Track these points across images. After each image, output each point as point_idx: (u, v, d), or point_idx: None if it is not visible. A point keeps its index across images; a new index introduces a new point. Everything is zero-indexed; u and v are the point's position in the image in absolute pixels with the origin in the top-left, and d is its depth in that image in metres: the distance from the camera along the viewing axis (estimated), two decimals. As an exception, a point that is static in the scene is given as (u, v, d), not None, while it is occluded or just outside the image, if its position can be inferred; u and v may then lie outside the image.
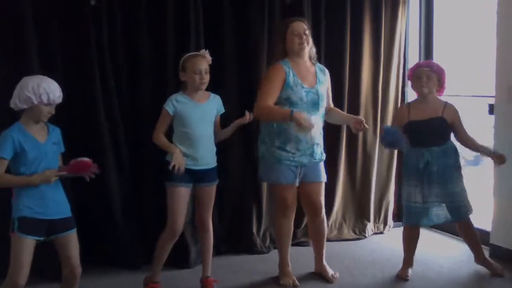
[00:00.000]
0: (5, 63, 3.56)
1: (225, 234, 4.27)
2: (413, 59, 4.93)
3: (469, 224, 3.76)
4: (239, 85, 4.20)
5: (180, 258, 3.91)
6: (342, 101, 4.49)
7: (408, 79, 3.82)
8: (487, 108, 4.22)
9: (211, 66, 3.35)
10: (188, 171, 3.26)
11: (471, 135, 3.71)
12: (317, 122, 3.36)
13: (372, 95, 4.70)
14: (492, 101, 4.16)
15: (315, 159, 3.53)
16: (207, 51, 3.36)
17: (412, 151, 3.62)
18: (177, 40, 3.91)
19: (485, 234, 4.25)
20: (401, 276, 3.72)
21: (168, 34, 3.91)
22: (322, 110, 3.54)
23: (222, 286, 3.53)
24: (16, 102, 2.68)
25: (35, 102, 2.65)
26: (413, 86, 3.71)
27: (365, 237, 4.66)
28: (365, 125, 3.44)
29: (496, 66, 4.08)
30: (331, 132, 4.52)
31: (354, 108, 4.60)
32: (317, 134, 3.41)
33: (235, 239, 4.29)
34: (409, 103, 3.82)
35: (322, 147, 3.63)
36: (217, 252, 4.16)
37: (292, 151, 3.43)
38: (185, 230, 3.88)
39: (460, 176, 3.68)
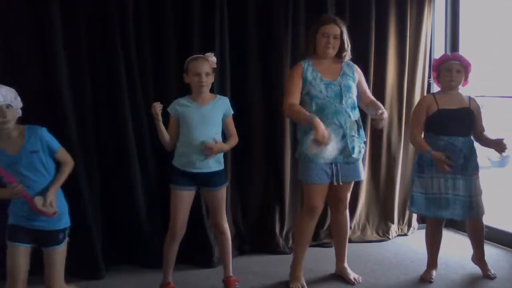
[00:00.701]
0: (32, 65, 3.60)
1: (248, 234, 4.29)
2: (439, 58, 4.87)
3: (482, 223, 3.75)
4: (262, 87, 4.20)
5: (204, 258, 3.96)
6: (367, 101, 4.47)
7: (433, 70, 3.75)
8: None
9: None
10: (191, 175, 3.28)
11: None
12: (333, 144, 3.22)
13: (397, 95, 4.66)
14: (519, 102, 4.10)
15: (351, 156, 3.43)
16: (213, 54, 3.34)
17: (435, 140, 3.55)
18: (201, 42, 3.92)
19: (511, 236, 4.19)
20: (425, 279, 3.69)
21: (194, 35, 3.93)
22: (349, 101, 3.43)
23: (244, 286, 3.53)
24: None
25: None
26: (437, 78, 3.68)
27: (389, 238, 4.63)
28: (382, 116, 3.31)
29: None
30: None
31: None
32: (333, 152, 3.25)
33: (258, 239, 4.29)
34: (433, 94, 3.77)
35: (361, 143, 3.52)
36: (241, 252, 4.19)
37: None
38: (208, 231, 3.92)
39: (479, 172, 3.64)
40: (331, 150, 3.19)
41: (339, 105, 3.38)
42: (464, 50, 4.88)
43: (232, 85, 4.05)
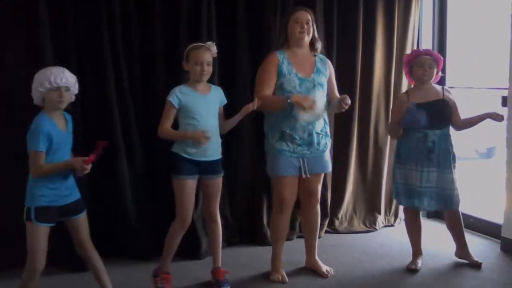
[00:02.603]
0: (18, 54, 3.59)
1: (236, 226, 4.30)
2: (426, 50, 4.89)
3: (458, 215, 3.80)
4: (250, 77, 4.18)
5: (191, 250, 3.95)
6: (354, 93, 4.48)
7: (405, 65, 3.80)
8: (500, 101, 4.19)
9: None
10: (194, 162, 3.28)
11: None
12: (319, 99, 3.32)
13: (384, 88, 4.68)
14: (505, 93, 4.13)
15: (318, 149, 3.48)
16: (214, 43, 3.34)
17: (412, 133, 3.59)
18: (189, 31, 3.91)
19: (496, 227, 4.25)
20: (411, 268, 3.73)
21: (181, 23, 3.91)
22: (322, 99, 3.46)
23: (232, 277, 3.55)
24: (34, 99, 2.78)
25: (41, 89, 2.71)
26: (409, 73, 3.74)
27: (376, 229, 4.66)
28: (347, 101, 3.35)
29: (510, 58, 4.03)
30: (342, 124, 4.53)
31: (366, 100, 4.59)
32: (322, 111, 3.33)
33: (246, 231, 4.31)
34: (407, 91, 3.85)
35: (328, 136, 3.57)
36: (229, 243, 4.20)
37: (291, 143, 3.40)
38: (196, 222, 3.93)
39: (454, 164, 3.68)
40: (320, 105, 3.29)
41: None
42: (451, 42, 4.91)
43: (221, 75, 4.03)
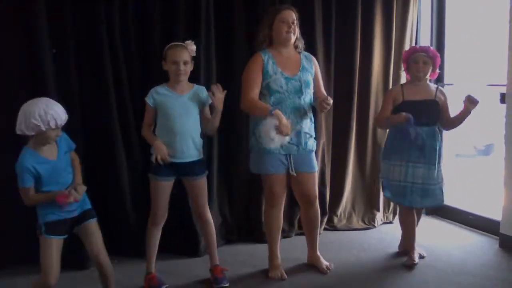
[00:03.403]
0: (17, 52, 3.58)
1: (235, 223, 4.30)
2: (425, 47, 4.89)
3: (420, 213, 3.92)
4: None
5: (190, 247, 3.97)
6: (352, 89, 4.49)
7: (403, 61, 3.86)
8: (498, 97, 4.19)
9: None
10: (170, 164, 3.27)
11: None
12: (300, 116, 3.36)
13: (383, 83, 4.67)
14: (503, 90, 4.13)
15: (304, 149, 3.48)
16: (193, 42, 3.31)
17: (401, 130, 3.61)
18: (186, 29, 3.89)
19: (495, 224, 4.25)
20: (407, 263, 3.74)
21: (179, 22, 3.90)
22: (308, 97, 3.47)
23: (231, 275, 3.55)
24: (22, 130, 2.64)
25: (43, 129, 2.63)
26: (407, 69, 3.79)
27: (374, 226, 4.66)
28: (329, 101, 3.35)
29: (508, 55, 4.04)
30: (340, 121, 4.53)
31: (364, 97, 4.59)
32: (287, 140, 3.30)
33: (245, 228, 4.31)
34: (402, 85, 3.88)
35: (313, 136, 3.56)
36: (227, 241, 4.21)
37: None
38: (194, 220, 3.92)
39: (441, 161, 3.74)
40: (287, 139, 3.28)
41: (297, 101, 3.39)
42: (450, 39, 4.91)
43: (218, 72, 4.03)
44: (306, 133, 3.47)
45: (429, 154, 3.64)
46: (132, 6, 3.82)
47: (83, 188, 2.76)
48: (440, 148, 3.73)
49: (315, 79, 3.56)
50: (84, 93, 3.76)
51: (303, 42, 3.55)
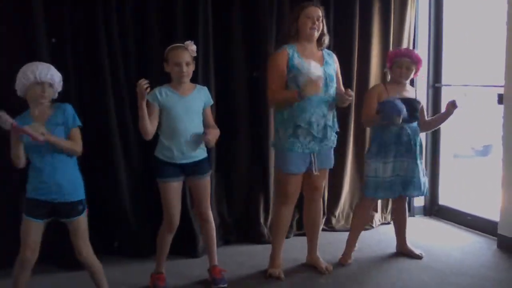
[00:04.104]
0: (15, 52, 3.57)
1: (233, 224, 4.30)
2: (423, 47, 4.90)
3: (405, 207, 3.98)
4: (246, 74, 4.19)
5: (188, 248, 3.96)
6: (351, 90, 4.46)
7: (387, 61, 3.88)
8: (496, 98, 4.20)
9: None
10: (175, 165, 3.26)
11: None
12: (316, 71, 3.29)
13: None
14: (501, 91, 4.14)
15: (327, 144, 3.49)
16: (192, 42, 3.29)
17: (388, 127, 3.67)
18: (185, 29, 3.90)
19: (493, 224, 4.26)
20: (343, 262, 3.82)
21: (177, 22, 3.90)
22: (332, 90, 3.47)
23: (229, 275, 3.54)
24: (18, 91, 2.80)
25: (25, 82, 2.73)
26: (390, 70, 3.83)
27: (372, 227, 4.66)
28: (350, 93, 3.43)
29: (506, 56, 4.05)
30: (339, 122, 4.51)
31: (362, 98, 4.56)
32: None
33: (243, 229, 4.31)
34: (384, 83, 3.94)
35: (336, 130, 3.57)
36: (226, 242, 4.20)
37: (304, 138, 3.39)
38: (192, 221, 3.92)
39: (421, 155, 3.83)
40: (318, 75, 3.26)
41: (323, 95, 3.40)
42: (447, 40, 4.92)
43: (216, 72, 4.03)
44: (330, 126, 3.47)
45: (414, 149, 3.71)
46: (129, 6, 3.82)
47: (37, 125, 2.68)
48: (421, 144, 3.81)
49: (337, 74, 3.61)
50: (82, 94, 3.75)
51: (328, 38, 3.57)
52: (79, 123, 2.90)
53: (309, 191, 3.66)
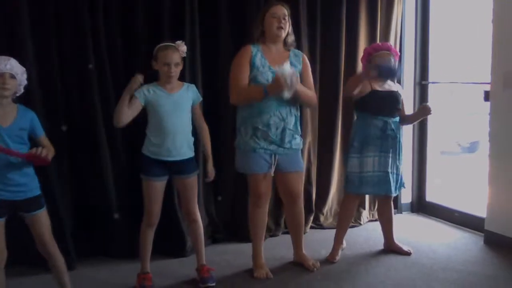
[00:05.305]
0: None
1: (221, 223, 4.29)
2: (409, 45, 4.92)
3: (391, 204, 4.00)
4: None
5: (176, 248, 3.94)
6: (338, 89, 4.49)
7: (364, 57, 3.85)
8: (482, 95, 4.22)
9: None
10: (162, 163, 3.26)
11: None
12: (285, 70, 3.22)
13: (368, 83, 4.68)
14: (487, 88, 4.16)
15: (290, 147, 3.46)
16: (183, 42, 3.28)
17: (371, 121, 3.70)
18: (171, 28, 3.87)
19: (479, 220, 4.29)
20: (331, 259, 3.82)
21: (164, 20, 3.87)
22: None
23: (217, 274, 3.53)
24: None
25: None
26: (367, 64, 3.79)
27: (360, 224, 4.68)
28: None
29: (492, 53, 4.07)
30: (326, 120, 4.54)
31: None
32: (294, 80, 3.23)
33: (231, 228, 4.30)
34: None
35: (299, 134, 3.55)
36: (213, 240, 4.19)
37: (264, 140, 3.38)
38: (180, 220, 3.90)
39: (402, 150, 3.85)
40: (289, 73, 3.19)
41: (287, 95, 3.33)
42: (434, 38, 4.94)
43: (204, 73, 4.02)
44: (290, 130, 3.44)
45: (398, 144, 3.75)
46: (116, 6, 3.79)
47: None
48: (401, 138, 3.84)
49: (303, 76, 3.51)
50: (68, 93, 3.72)
51: (293, 38, 3.54)
52: (43, 131, 2.90)
53: (287, 196, 3.64)
